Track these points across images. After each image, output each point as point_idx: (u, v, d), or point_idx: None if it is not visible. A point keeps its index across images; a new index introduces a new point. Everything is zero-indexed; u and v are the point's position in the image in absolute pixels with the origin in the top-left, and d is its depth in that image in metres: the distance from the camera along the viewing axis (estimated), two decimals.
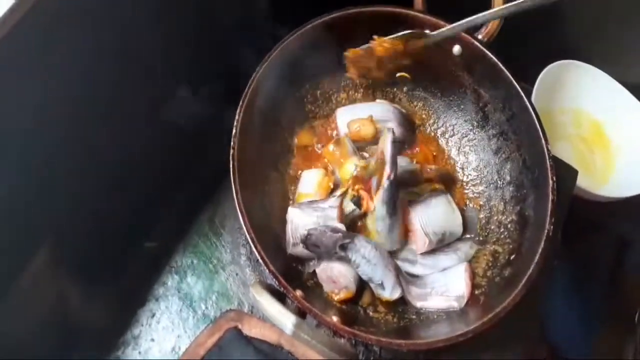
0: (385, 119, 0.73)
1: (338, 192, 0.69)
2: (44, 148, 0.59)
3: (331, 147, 0.73)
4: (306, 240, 0.62)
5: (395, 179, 0.63)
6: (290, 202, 0.71)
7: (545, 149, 0.63)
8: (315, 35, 0.70)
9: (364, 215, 0.66)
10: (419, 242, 0.66)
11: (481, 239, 0.69)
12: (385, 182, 0.63)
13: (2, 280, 0.60)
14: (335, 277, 0.63)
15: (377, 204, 0.64)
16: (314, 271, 0.65)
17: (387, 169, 0.63)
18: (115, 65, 0.64)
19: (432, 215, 0.67)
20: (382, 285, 0.62)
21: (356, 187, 0.67)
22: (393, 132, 0.64)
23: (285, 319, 0.48)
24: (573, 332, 0.85)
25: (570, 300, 0.88)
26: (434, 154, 0.77)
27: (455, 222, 0.69)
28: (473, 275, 0.65)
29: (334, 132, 0.75)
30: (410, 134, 0.76)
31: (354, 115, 0.73)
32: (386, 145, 0.63)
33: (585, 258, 0.91)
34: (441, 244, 0.68)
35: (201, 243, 0.72)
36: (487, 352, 0.63)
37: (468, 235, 0.70)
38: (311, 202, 0.67)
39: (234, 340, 0.65)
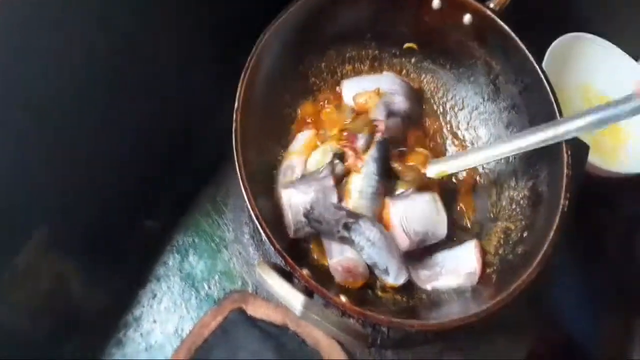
0: (393, 92, 0.71)
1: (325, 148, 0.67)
2: (42, 129, 0.57)
3: (329, 110, 0.71)
4: (308, 215, 0.60)
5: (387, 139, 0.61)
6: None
7: None
8: (318, 4, 0.67)
9: (347, 174, 0.64)
10: (398, 239, 0.62)
11: (492, 216, 0.67)
12: (378, 137, 0.60)
13: None
14: (351, 267, 0.60)
15: (367, 161, 0.62)
16: None
17: (381, 126, 0.60)
18: (113, 45, 0.61)
19: (414, 214, 0.63)
20: (386, 271, 0.60)
21: (341, 142, 0.65)
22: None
23: (294, 299, 0.46)
24: (580, 311, 0.84)
25: (578, 278, 0.87)
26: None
27: (438, 224, 0.64)
28: (484, 252, 0.64)
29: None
30: (417, 107, 0.73)
31: (361, 88, 0.71)
32: (378, 106, 0.61)
33: (594, 235, 0.90)
34: (423, 244, 0.64)
35: (203, 221, 0.70)
36: (501, 336, 0.62)
37: None
38: (303, 177, 0.64)
39: (239, 322, 0.64)
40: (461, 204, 0.71)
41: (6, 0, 0.48)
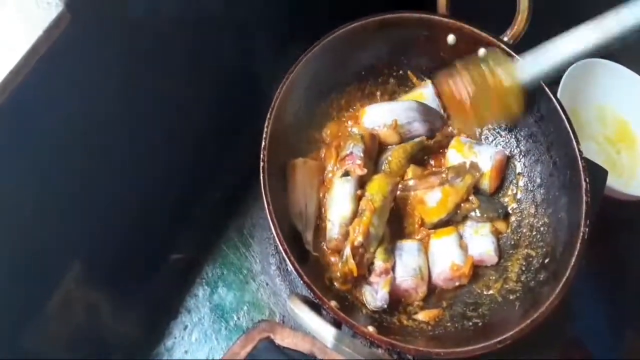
0: (410, 121, 0.73)
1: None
2: (69, 168, 0.59)
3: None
4: None
5: None
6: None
7: (577, 151, 0.63)
8: (340, 44, 0.70)
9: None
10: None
11: (512, 242, 0.68)
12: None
13: (36, 297, 0.61)
14: (410, 288, 0.64)
15: None
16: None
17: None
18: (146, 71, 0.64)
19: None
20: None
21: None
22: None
23: (326, 331, 0.48)
24: (602, 334, 0.84)
25: (599, 301, 0.86)
26: None
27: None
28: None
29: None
30: (438, 121, 0.75)
31: (381, 116, 0.73)
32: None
33: (613, 258, 0.90)
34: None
35: (230, 254, 0.72)
36: (524, 355, 0.62)
37: None
38: None
39: (267, 351, 0.65)
40: None
41: None
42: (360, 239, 0.61)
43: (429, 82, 0.76)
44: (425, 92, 0.76)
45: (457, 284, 0.67)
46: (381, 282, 0.62)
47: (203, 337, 0.67)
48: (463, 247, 0.68)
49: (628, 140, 0.95)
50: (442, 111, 0.75)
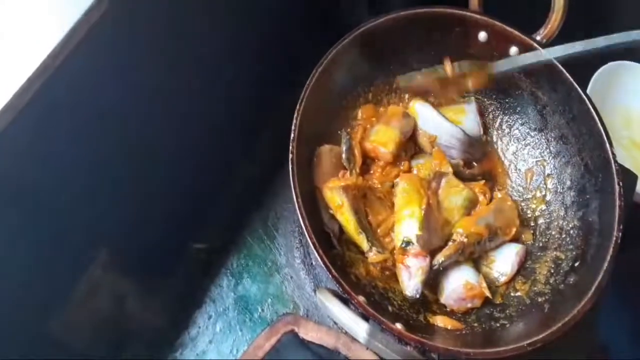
0: (449, 146, 0.72)
1: None
2: (100, 152, 0.60)
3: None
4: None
5: None
6: None
7: (610, 153, 0.62)
8: (370, 37, 0.69)
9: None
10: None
11: (541, 245, 0.68)
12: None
13: (63, 284, 0.61)
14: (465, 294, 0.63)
15: None
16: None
17: None
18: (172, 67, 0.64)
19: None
20: None
21: None
22: None
23: (358, 326, 0.48)
24: (630, 339, 0.83)
25: (624, 308, 0.86)
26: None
27: None
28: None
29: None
30: (476, 153, 0.74)
31: (425, 122, 0.73)
32: None
33: (637, 264, 0.89)
34: None
35: (255, 245, 0.72)
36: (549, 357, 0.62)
37: None
38: None
39: (291, 344, 0.65)
40: None
41: None
42: None
43: (472, 99, 0.76)
44: (467, 108, 0.75)
45: (469, 305, 0.64)
46: (415, 268, 0.61)
47: (227, 328, 0.68)
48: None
49: None
50: (481, 130, 0.75)
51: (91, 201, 0.61)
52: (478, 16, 0.70)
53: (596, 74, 0.88)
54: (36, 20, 0.48)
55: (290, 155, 0.61)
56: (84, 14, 0.48)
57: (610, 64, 0.89)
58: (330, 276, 0.56)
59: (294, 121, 0.63)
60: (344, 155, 0.68)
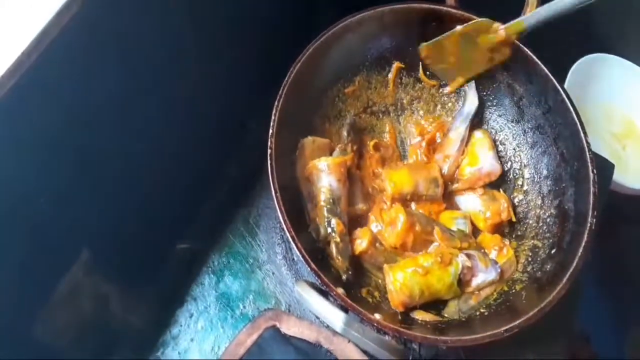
0: None
1: None
2: (78, 153, 0.60)
3: None
4: None
5: None
6: None
7: (585, 142, 0.63)
8: (347, 34, 0.70)
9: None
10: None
11: (519, 234, 0.68)
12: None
13: (45, 285, 0.61)
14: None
15: None
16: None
17: None
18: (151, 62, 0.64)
19: None
20: None
21: None
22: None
23: (335, 316, 0.48)
24: (607, 329, 0.84)
25: (604, 295, 0.87)
26: None
27: None
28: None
29: None
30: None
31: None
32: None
33: (618, 253, 0.90)
34: None
35: (237, 243, 0.72)
36: (531, 352, 0.62)
37: None
38: None
39: (273, 339, 0.65)
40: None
41: None
42: None
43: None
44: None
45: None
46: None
47: (209, 325, 0.67)
48: None
49: (634, 136, 0.95)
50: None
51: (71, 201, 0.60)
52: (454, 11, 0.71)
53: (574, 66, 0.89)
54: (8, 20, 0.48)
55: (269, 151, 0.62)
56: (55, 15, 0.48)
57: (588, 56, 0.90)
58: (309, 269, 0.56)
59: (272, 117, 0.63)
60: (344, 132, 0.70)
